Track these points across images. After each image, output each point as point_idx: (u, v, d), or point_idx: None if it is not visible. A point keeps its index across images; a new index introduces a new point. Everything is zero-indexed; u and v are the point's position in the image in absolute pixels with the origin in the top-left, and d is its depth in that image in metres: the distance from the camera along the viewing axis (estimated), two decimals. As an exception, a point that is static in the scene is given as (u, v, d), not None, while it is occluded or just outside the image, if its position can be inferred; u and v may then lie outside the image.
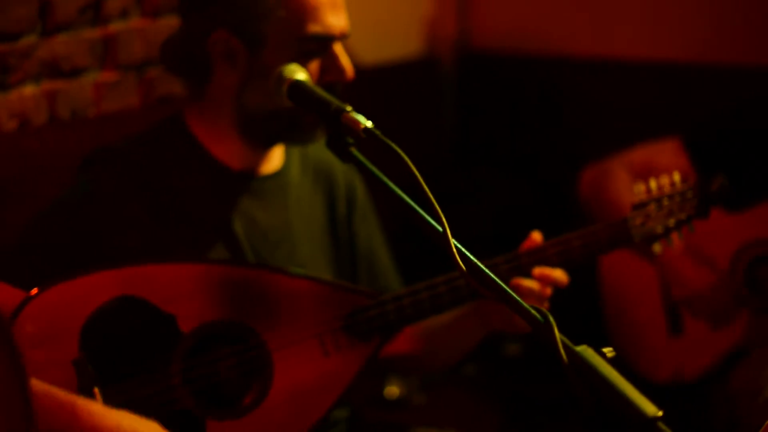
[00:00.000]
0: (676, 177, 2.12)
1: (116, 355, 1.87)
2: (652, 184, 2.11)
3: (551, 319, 1.39)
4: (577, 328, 1.95)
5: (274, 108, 1.99)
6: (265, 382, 1.93)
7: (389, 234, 2.38)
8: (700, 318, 2.73)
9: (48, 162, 2.48)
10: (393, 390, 3.07)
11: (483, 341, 2.20)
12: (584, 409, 1.36)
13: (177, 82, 2.82)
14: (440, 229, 1.55)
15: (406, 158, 1.63)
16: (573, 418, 2.86)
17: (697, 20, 3.62)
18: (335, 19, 2.01)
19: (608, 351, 1.38)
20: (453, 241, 1.53)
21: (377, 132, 1.72)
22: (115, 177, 2.02)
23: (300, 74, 1.93)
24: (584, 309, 2.83)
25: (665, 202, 2.10)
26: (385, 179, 1.70)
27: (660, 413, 1.30)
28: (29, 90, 2.53)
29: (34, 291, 1.83)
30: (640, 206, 2.10)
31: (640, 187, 2.11)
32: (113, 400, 1.81)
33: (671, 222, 2.10)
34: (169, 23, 2.81)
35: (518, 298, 1.48)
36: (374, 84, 3.60)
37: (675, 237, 2.13)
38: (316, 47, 2.01)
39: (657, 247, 2.13)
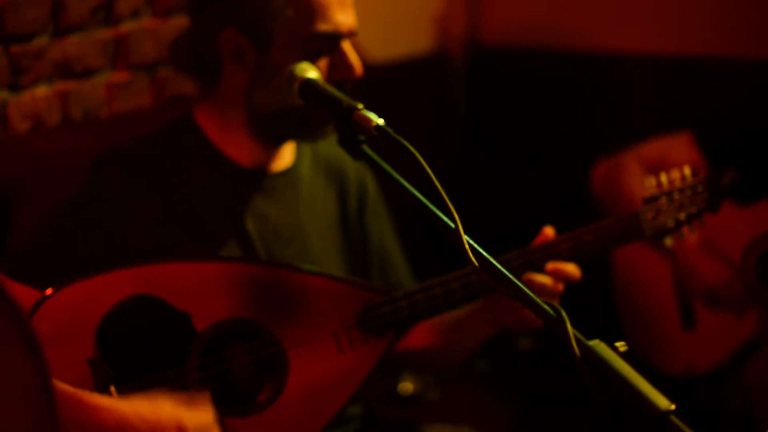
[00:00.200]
0: (687, 171, 2.13)
1: (131, 353, 1.88)
2: (663, 178, 2.12)
3: (564, 314, 1.40)
4: (590, 323, 1.96)
5: (285, 106, 2.00)
6: (279, 379, 1.94)
7: (401, 231, 2.39)
8: (714, 311, 2.73)
9: (61, 162, 2.48)
10: (406, 386, 3.08)
11: (496, 337, 2.20)
12: (597, 404, 1.36)
13: (188, 81, 2.83)
14: (452, 225, 1.56)
15: (418, 155, 1.63)
16: (586, 413, 2.86)
17: (709, 13, 3.61)
18: (343, 17, 2.02)
19: (621, 345, 1.38)
20: (465, 237, 1.54)
21: (389, 129, 1.72)
22: (127, 176, 2.03)
23: (311, 72, 1.94)
24: (597, 303, 2.83)
25: (676, 196, 2.10)
26: (397, 176, 1.70)
27: (673, 407, 1.31)
28: (42, 91, 2.54)
29: (49, 291, 1.84)
30: (651, 200, 2.10)
31: (651, 182, 2.12)
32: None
33: (682, 216, 2.10)
34: (180, 23, 2.81)
35: (531, 293, 1.49)
36: (385, 81, 3.61)
37: (686, 230, 2.13)
38: (325, 45, 2.01)
39: (668, 241, 2.13)
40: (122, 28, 2.74)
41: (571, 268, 2.02)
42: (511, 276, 1.52)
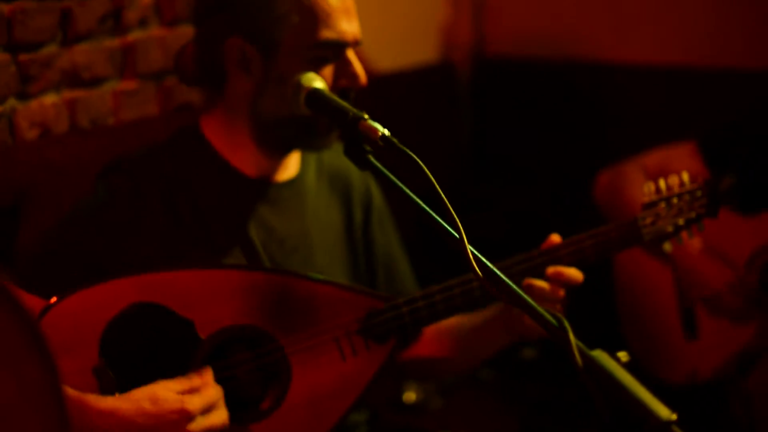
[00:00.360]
0: (686, 177, 2.14)
1: (136, 361, 1.88)
2: (662, 183, 2.13)
3: (566, 323, 1.41)
4: (593, 331, 1.98)
5: (290, 114, 2.01)
6: (282, 385, 1.95)
7: (405, 240, 2.40)
8: (716, 319, 2.73)
9: (68, 170, 2.49)
10: (411, 395, 3.08)
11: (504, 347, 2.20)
12: (600, 413, 1.37)
13: (194, 90, 2.86)
14: (457, 235, 1.57)
15: (423, 165, 1.64)
16: (589, 422, 2.86)
17: (711, 25, 3.62)
18: (348, 26, 2.03)
19: (623, 355, 1.39)
20: (469, 246, 1.55)
21: (394, 140, 1.74)
22: (133, 184, 2.03)
23: (318, 83, 1.95)
24: (599, 312, 2.83)
25: (675, 201, 2.12)
26: (402, 186, 1.71)
27: (674, 417, 1.32)
28: (50, 99, 2.55)
29: (54, 299, 1.85)
30: (650, 206, 2.12)
31: (650, 187, 2.13)
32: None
33: (681, 221, 2.12)
34: (187, 32, 2.81)
35: (533, 303, 1.50)
36: (391, 89, 3.63)
37: (685, 236, 2.14)
38: (330, 53, 2.02)
39: (667, 246, 2.15)
40: (130, 37, 2.75)
41: (572, 272, 2.02)
42: (514, 286, 1.53)
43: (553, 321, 1.43)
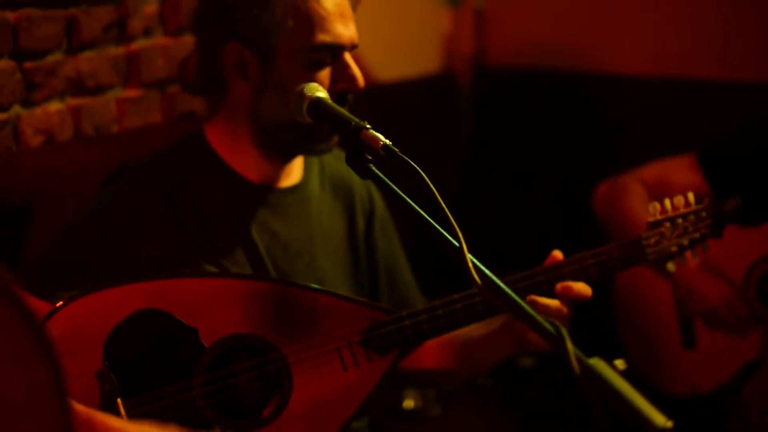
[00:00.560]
0: (691, 197, 2.13)
1: (139, 367, 1.89)
2: (667, 203, 2.12)
3: (564, 331, 1.42)
4: (591, 340, 1.99)
5: (291, 120, 2.01)
6: (284, 394, 1.95)
7: (407, 249, 2.41)
8: (715, 332, 2.74)
9: (72, 176, 2.50)
10: (410, 402, 3.08)
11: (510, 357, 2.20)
12: (597, 421, 1.38)
13: (198, 99, 2.87)
14: (456, 243, 1.58)
15: (424, 175, 1.66)
16: (586, 430, 2.86)
17: (712, 37, 3.63)
18: (344, 29, 2.05)
19: (619, 363, 1.40)
20: (469, 256, 1.56)
21: (395, 149, 1.75)
22: (138, 190, 2.05)
23: (320, 93, 1.96)
24: (599, 323, 2.84)
25: (679, 221, 2.11)
26: (403, 195, 1.73)
27: (670, 424, 1.33)
28: (55, 106, 2.56)
29: (59, 304, 1.86)
30: (654, 225, 2.10)
31: (656, 206, 2.12)
32: (136, 411, 1.86)
33: (685, 241, 2.11)
34: (191, 42, 2.82)
35: (532, 312, 1.50)
36: (394, 99, 3.65)
37: (689, 255, 2.14)
38: (326, 56, 2.04)
39: (671, 266, 2.14)
40: (134, 45, 2.77)
41: (580, 287, 2.01)
42: (513, 295, 1.54)
43: (551, 329, 1.44)
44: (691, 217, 2.12)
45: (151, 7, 2.81)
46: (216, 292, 1.94)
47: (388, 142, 1.77)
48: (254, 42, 2.03)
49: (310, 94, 1.96)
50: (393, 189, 1.75)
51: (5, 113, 2.44)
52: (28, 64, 2.48)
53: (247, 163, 2.13)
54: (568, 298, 2.00)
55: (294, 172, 2.20)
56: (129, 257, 1.99)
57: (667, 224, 2.11)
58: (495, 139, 4.13)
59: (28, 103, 2.50)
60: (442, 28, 4.13)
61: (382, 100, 3.45)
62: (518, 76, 4.04)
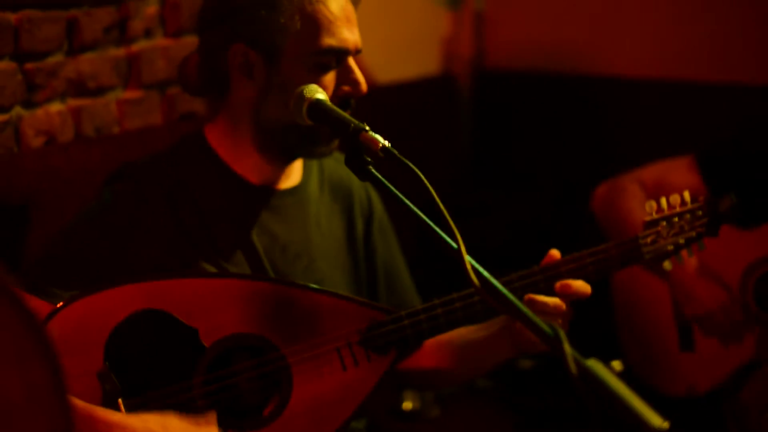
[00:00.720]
0: (687, 195, 2.15)
1: (140, 367, 1.90)
2: (663, 202, 2.13)
3: (561, 332, 1.42)
4: (591, 343, 1.99)
5: (292, 122, 2.02)
6: (284, 394, 1.96)
7: (405, 250, 2.41)
8: (712, 335, 2.74)
9: (73, 177, 2.51)
10: (408, 403, 3.09)
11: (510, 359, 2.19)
12: (594, 422, 1.38)
13: (199, 99, 2.88)
14: (455, 245, 1.59)
15: (423, 177, 1.67)
16: (584, 430, 2.87)
17: (711, 40, 3.63)
18: (349, 34, 2.06)
19: (616, 364, 1.41)
20: (467, 257, 1.56)
21: (394, 151, 1.76)
22: (139, 191, 2.06)
23: (320, 94, 1.97)
24: (597, 324, 2.84)
25: (675, 220, 2.12)
26: (402, 197, 1.73)
27: (666, 425, 1.33)
28: (55, 107, 2.57)
29: (60, 304, 1.87)
30: (651, 224, 2.12)
31: (652, 205, 2.13)
32: (137, 411, 1.86)
33: (681, 240, 2.12)
34: (191, 43, 2.83)
35: (530, 313, 1.51)
36: (394, 101, 3.65)
37: (685, 254, 2.15)
38: (332, 60, 2.05)
39: (667, 264, 2.15)
40: (135, 47, 2.77)
41: (579, 284, 2.01)
42: (511, 296, 1.54)
43: (549, 330, 1.44)
44: (687, 215, 2.13)
45: (151, 9, 2.82)
46: (216, 292, 1.95)
47: (387, 143, 1.78)
48: (260, 43, 2.04)
49: (309, 95, 1.97)
50: (392, 191, 1.75)
51: (6, 114, 2.45)
52: (29, 65, 2.49)
53: (247, 165, 2.14)
54: (567, 295, 2.01)
55: (293, 174, 2.21)
56: (129, 257, 2.00)
57: (664, 223, 2.12)
58: (494, 141, 4.14)
59: (29, 104, 2.50)
60: (442, 30, 4.14)
61: (381, 101, 3.45)
62: (517, 78, 4.05)
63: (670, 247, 2.11)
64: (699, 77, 3.62)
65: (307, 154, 2.16)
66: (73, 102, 2.62)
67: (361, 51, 2.10)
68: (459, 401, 3.17)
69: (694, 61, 3.67)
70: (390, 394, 3.07)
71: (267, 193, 2.16)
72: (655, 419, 1.34)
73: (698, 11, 3.66)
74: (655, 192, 2.79)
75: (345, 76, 2.07)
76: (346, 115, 1.90)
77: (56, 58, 2.56)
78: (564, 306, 2.00)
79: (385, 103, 3.52)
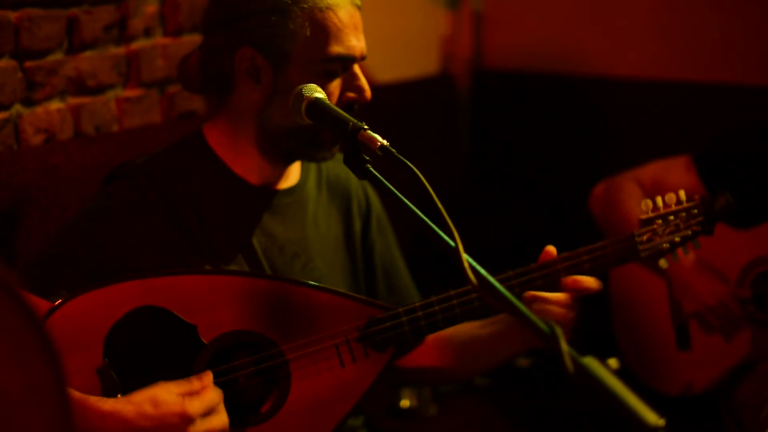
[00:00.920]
0: (682, 194, 2.16)
1: (139, 363, 1.91)
2: (659, 201, 2.14)
3: (558, 330, 1.43)
4: (588, 341, 2.00)
5: (294, 125, 2.03)
6: (282, 390, 1.97)
7: (403, 249, 2.41)
8: (709, 332, 2.75)
9: (72, 175, 2.51)
10: (406, 401, 3.09)
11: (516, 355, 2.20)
12: (591, 418, 1.39)
13: (198, 98, 2.88)
14: (452, 243, 1.59)
15: (421, 175, 1.67)
16: (582, 430, 2.87)
17: (708, 40, 3.64)
18: (356, 41, 2.07)
19: (613, 362, 1.41)
20: (465, 255, 1.57)
21: (392, 150, 1.76)
22: (138, 190, 2.06)
23: (318, 93, 1.98)
24: (594, 322, 2.84)
25: (671, 219, 2.13)
26: (400, 195, 1.74)
27: (662, 422, 1.34)
28: (55, 105, 2.58)
29: (59, 301, 1.87)
30: (646, 222, 2.13)
31: (648, 204, 2.14)
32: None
33: (677, 238, 2.14)
34: (191, 41, 2.86)
35: (526, 310, 1.51)
36: (393, 100, 3.66)
37: (680, 252, 2.17)
38: (338, 67, 2.06)
39: (663, 262, 2.17)
40: (134, 45, 2.78)
41: (589, 280, 2.04)
42: (508, 293, 1.54)
43: (545, 328, 1.44)
44: (683, 214, 2.14)
45: (151, 7, 2.82)
46: (215, 288, 1.95)
47: (385, 142, 1.79)
48: (269, 48, 2.04)
49: (308, 94, 1.97)
50: (390, 189, 1.76)
51: (6, 112, 2.45)
52: (29, 64, 2.50)
53: (246, 165, 2.14)
54: (578, 291, 2.02)
55: (292, 174, 2.22)
56: (128, 256, 2.00)
57: (659, 221, 2.13)
58: (492, 141, 4.15)
59: (28, 102, 2.51)
60: (441, 31, 4.15)
61: (380, 101, 3.46)
62: (516, 78, 4.06)
63: (666, 245, 2.13)
64: (696, 78, 3.63)
65: (308, 158, 2.17)
66: (73, 100, 2.63)
67: (365, 57, 2.11)
68: (456, 399, 3.18)
69: (691, 61, 3.67)
70: (387, 392, 3.07)
71: (265, 193, 2.16)
72: (651, 417, 1.34)
73: (696, 12, 3.67)
74: (652, 191, 2.80)
75: (350, 83, 2.08)
76: (344, 113, 1.90)
77: (56, 56, 2.57)
78: (568, 299, 2.02)
79: (384, 102, 3.52)
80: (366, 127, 1.83)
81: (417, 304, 2.03)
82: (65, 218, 2.33)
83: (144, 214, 2.04)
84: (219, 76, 2.11)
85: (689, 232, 2.14)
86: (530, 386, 3.32)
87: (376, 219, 2.34)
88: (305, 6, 2.02)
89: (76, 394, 1.79)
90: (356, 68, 2.09)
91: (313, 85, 1.99)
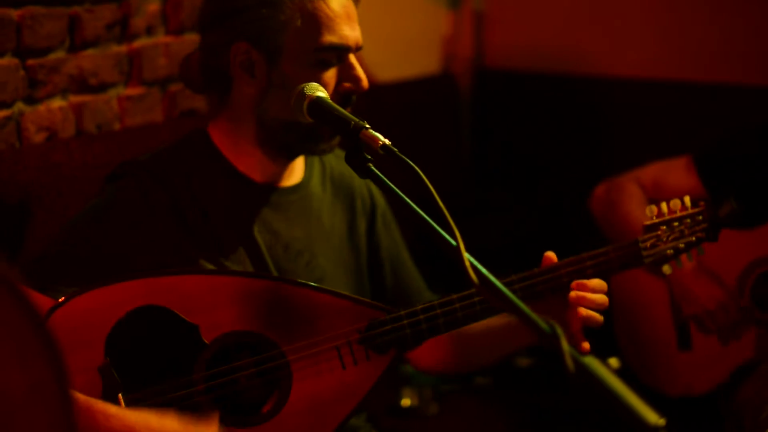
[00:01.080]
0: (687, 200, 2.15)
1: (140, 362, 1.91)
2: (663, 207, 2.14)
3: (559, 330, 1.43)
4: (589, 341, 2.00)
5: (293, 120, 2.03)
6: (283, 391, 1.97)
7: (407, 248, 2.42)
8: (710, 334, 2.75)
9: (74, 173, 2.52)
10: (407, 400, 3.10)
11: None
12: (592, 419, 1.39)
13: (199, 97, 2.88)
14: (453, 242, 1.59)
15: (423, 175, 1.67)
16: (582, 429, 2.87)
17: (710, 40, 3.64)
18: (350, 31, 2.07)
19: (613, 361, 1.41)
20: (466, 255, 1.56)
21: (394, 149, 1.76)
22: (141, 188, 2.06)
23: (320, 92, 1.98)
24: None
25: (675, 225, 2.13)
26: (402, 194, 1.74)
27: (662, 422, 1.34)
28: (57, 103, 2.58)
29: (61, 299, 1.88)
30: (651, 228, 2.12)
31: (652, 210, 2.13)
32: (137, 406, 1.87)
33: (681, 244, 2.13)
34: (192, 40, 2.85)
35: (528, 310, 1.51)
36: (394, 99, 3.66)
37: (684, 259, 2.16)
38: (332, 57, 2.06)
39: (666, 268, 2.15)
40: (136, 44, 2.78)
41: (594, 282, 2.05)
42: (509, 293, 1.54)
43: (546, 328, 1.44)
44: (687, 220, 2.14)
45: (153, 6, 2.82)
46: (218, 289, 1.95)
47: (387, 141, 1.79)
48: (262, 41, 2.05)
49: (310, 93, 1.97)
50: (392, 188, 1.76)
51: (8, 110, 2.46)
52: (31, 62, 2.50)
53: (249, 162, 2.15)
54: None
55: (296, 172, 2.22)
56: (132, 255, 2.00)
57: (664, 227, 2.12)
58: (493, 140, 4.15)
59: (30, 100, 2.51)
60: (442, 30, 4.15)
61: (381, 100, 3.46)
62: (517, 78, 4.06)
63: (670, 252, 2.12)
64: (697, 78, 3.63)
65: (309, 152, 2.17)
66: (75, 98, 2.63)
67: (362, 47, 2.11)
68: (457, 398, 3.18)
69: (692, 61, 3.67)
70: (389, 391, 3.08)
71: (269, 190, 2.17)
72: (652, 416, 1.34)
73: (697, 12, 3.67)
74: (653, 192, 2.80)
75: (346, 73, 2.08)
76: (346, 112, 1.90)
77: (58, 55, 2.57)
78: (605, 285, 2.05)
79: (386, 101, 3.53)
80: (368, 126, 1.84)
81: (419, 307, 2.03)
82: (67, 216, 2.34)
83: (147, 212, 2.04)
84: (218, 74, 2.11)
85: (693, 239, 2.14)
86: (531, 385, 3.32)
87: (381, 215, 2.34)
88: None
89: (81, 396, 1.80)
90: (352, 58, 2.09)
91: (315, 84, 1.99)
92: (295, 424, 1.97)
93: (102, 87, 2.70)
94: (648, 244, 2.11)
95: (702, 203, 2.16)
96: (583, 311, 2.01)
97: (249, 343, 1.97)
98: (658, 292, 2.83)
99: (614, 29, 3.84)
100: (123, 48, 2.75)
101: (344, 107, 1.98)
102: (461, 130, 4.16)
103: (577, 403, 1.46)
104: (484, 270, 1.58)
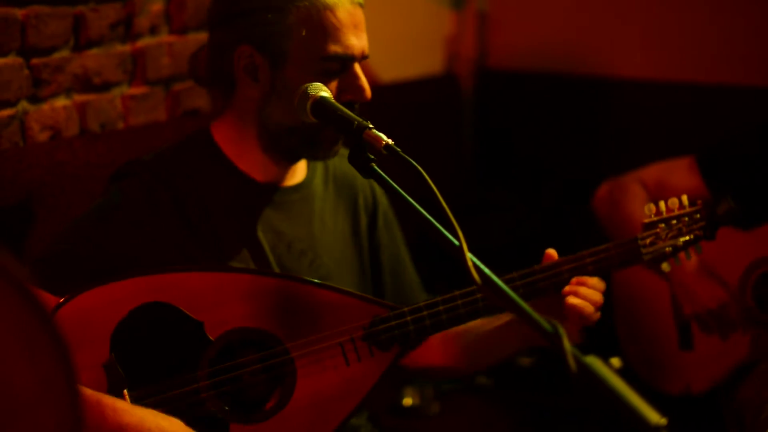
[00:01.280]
0: (685, 199, 2.17)
1: (145, 358, 1.92)
2: (662, 205, 2.15)
3: (561, 329, 1.43)
4: (590, 340, 2.01)
5: (296, 123, 2.04)
6: (287, 388, 1.98)
7: (409, 248, 2.42)
8: (710, 333, 2.76)
9: (78, 172, 2.53)
10: (409, 399, 3.10)
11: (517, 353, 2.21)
12: (593, 418, 1.40)
13: (202, 96, 2.89)
14: (456, 242, 1.60)
15: (425, 174, 1.67)
16: (584, 429, 2.88)
17: (713, 41, 3.64)
18: (356, 40, 2.06)
19: (615, 361, 1.42)
20: (469, 254, 1.57)
21: (397, 149, 1.77)
22: (145, 188, 2.07)
23: (324, 92, 1.98)
24: (597, 321, 2.85)
25: (674, 223, 2.14)
26: (405, 194, 1.75)
27: (664, 422, 1.34)
28: (61, 102, 2.58)
29: (66, 297, 1.88)
30: (649, 226, 2.14)
31: (651, 208, 2.15)
32: (142, 402, 1.88)
33: (679, 242, 2.15)
34: (196, 39, 2.87)
35: (530, 310, 1.52)
36: (397, 99, 3.67)
37: (683, 256, 2.18)
38: (337, 66, 2.05)
39: (665, 266, 2.17)
40: (140, 43, 2.79)
41: (593, 280, 2.07)
42: (512, 293, 1.55)
43: (548, 327, 1.45)
44: (685, 218, 2.15)
45: (157, 6, 2.83)
46: (222, 286, 1.96)
47: (390, 141, 1.79)
48: (266, 46, 2.04)
49: (313, 93, 1.97)
50: (395, 188, 1.77)
51: (12, 109, 2.46)
52: (35, 61, 2.51)
53: (252, 163, 2.15)
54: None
55: (298, 171, 2.23)
56: (135, 254, 2.01)
57: (662, 225, 2.14)
58: (496, 141, 4.15)
59: (35, 99, 2.52)
60: (445, 30, 4.16)
61: (384, 100, 3.47)
62: (519, 78, 4.06)
63: (669, 249, 2.14)
64: (699, 79, 3.63)
65: (310, 157, 2.18)
66: (79, 97, 2.63)
67: (367, 57, 2.10)
68: (459, 398, 3.19)
69: (694, 62, 3.68)
70: (390, 390, 3.08)
71: (272, 190, 2.17)
72: (654, 416, 1.34)
73: (698, 13, 3.67)
74: (656, 192, 2.81)
75: (349, 83, 2.07)
76: (349, 112, 1.90)
77: (62, 54, 2.57)
78: (603, 284, 2.05)
79: (389, 101, 3.54)
80: (371, 126, 1.84)
81: (422, 303, 2.04)
82: (71, 215, 2.35)
83: (151, 212, 2.05)
84: (222, 73, 2.12)
85: (691, 237, 2.16)
86: (532, 385, 3.32)
87: (382, 215, 2.35)
88: (302, 5, 2.02)
89: (89, 391, 1.80)
90: (356, 67, 2.08)
91: (319, 84, 2.00)
92: (299, 420, 1.97)
93: (106, 86, 2.70)
94: (647, 241, 2.13)
95: (700, 202, 2.18)
96: (572, 299, 2.02)
97: (253, 339, 1.97)
98: (660, 290, 2.84)
99: (617, 30, 3.85)
100: (127, 47, 2.75)
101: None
102: (464, 130, 4.17)
103: (578, 402, 1.46)
104: (486, 269, 1.59)
